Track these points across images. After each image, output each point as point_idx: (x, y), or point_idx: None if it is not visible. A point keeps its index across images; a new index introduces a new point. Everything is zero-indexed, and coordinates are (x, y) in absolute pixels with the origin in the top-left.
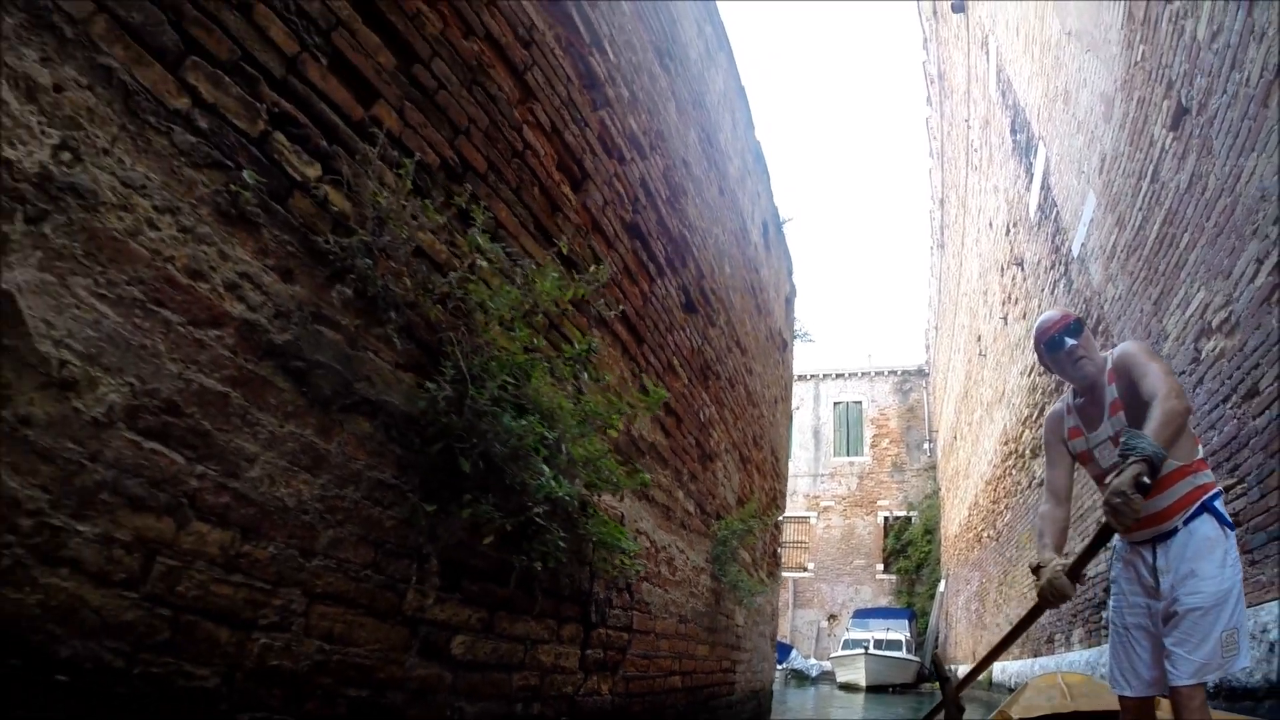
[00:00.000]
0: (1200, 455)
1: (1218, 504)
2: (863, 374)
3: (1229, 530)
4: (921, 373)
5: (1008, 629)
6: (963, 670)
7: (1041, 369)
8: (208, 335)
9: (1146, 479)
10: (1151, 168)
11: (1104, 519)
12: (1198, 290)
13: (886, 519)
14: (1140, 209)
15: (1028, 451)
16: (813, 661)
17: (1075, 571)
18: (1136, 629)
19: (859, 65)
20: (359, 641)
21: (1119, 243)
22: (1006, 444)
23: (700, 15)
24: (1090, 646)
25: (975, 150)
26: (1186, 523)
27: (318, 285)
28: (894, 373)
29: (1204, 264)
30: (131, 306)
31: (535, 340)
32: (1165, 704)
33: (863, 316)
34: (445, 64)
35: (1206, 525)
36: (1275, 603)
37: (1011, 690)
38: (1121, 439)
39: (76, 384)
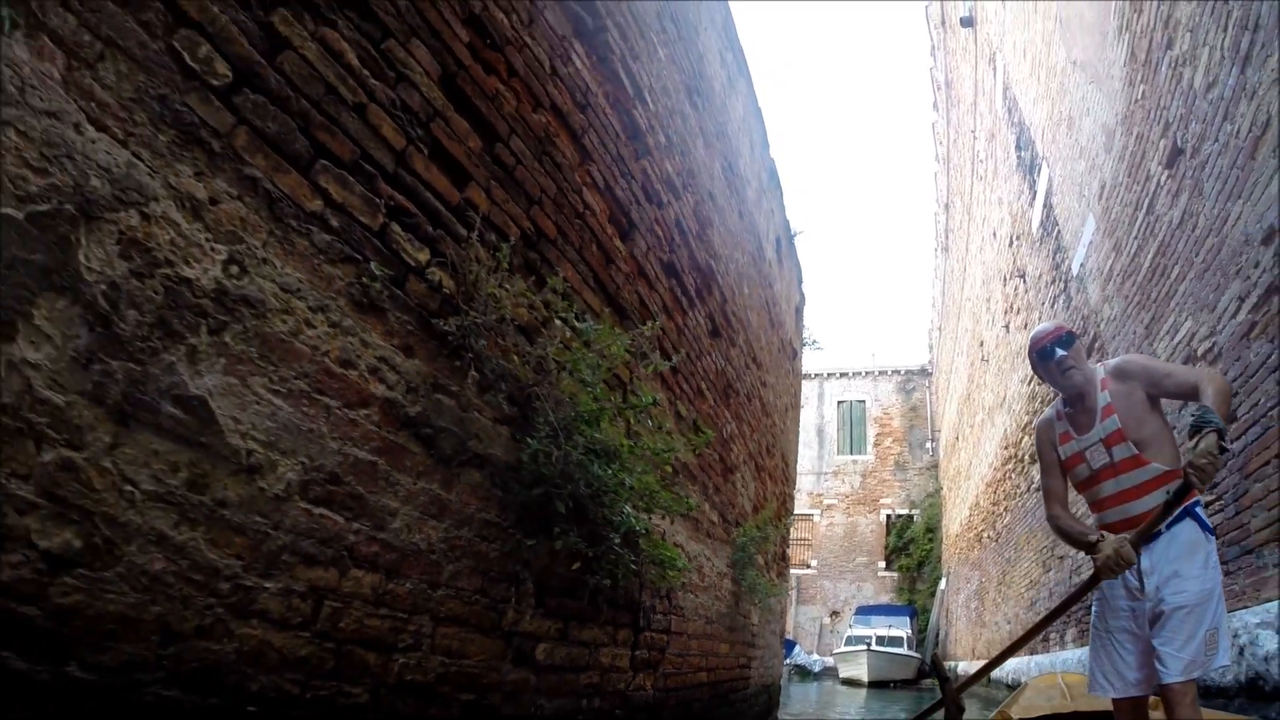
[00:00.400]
0: (1184, 462)
1: (1199, 510)
2: (866, 373)
3: (1209, 535)
4: (925, 372)
5: (1007, 626)
6: (973, 667)
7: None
8: (359, 414)
9: (1225, 444)
10: (1148, 200)
11: (1185, 554)
12: (1185, 319)
13: (889, 517)
14: (1136, 237)
15: (1027, 457)
16: (815, 657)
17: (1141, 538)
18: (1120, 631)
19: (865, 63)
20: (469, 654)
21: (1115, 267)
22: (1007, 448)
23: (722, 44)
24: (1082, 645)
25: (981, 161)
26: (1170, 526)
27: (433, 358)
28: (897, 372)
29: (1192, 296)
30: (300, 397)
31: (602, 389)
32: (1158, 702)
33: (867, 315)
34: (520, 139)
35: (1189, 529)
36: (1246, 610)
37: (1010, 688)
38: (1195, 413)
39: (261, 468)
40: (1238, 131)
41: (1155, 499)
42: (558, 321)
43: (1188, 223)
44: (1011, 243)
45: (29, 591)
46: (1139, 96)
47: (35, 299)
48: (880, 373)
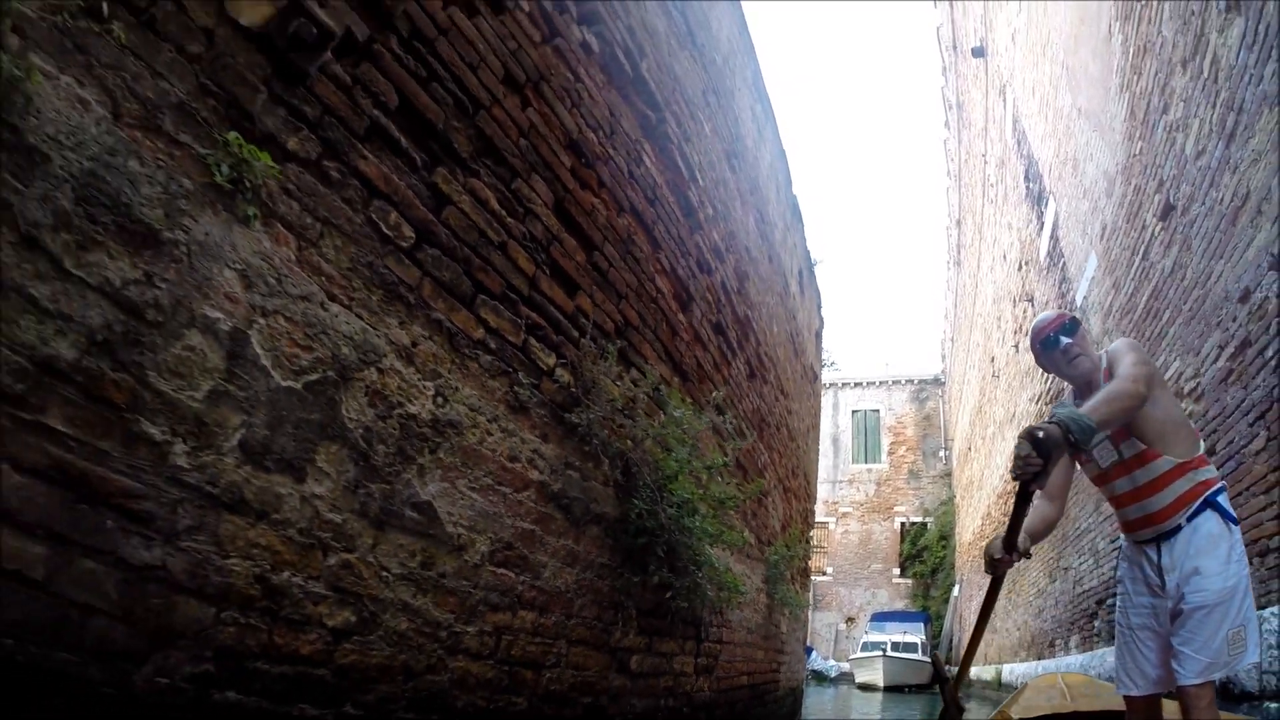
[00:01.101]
0: (1201, 451)
1: (1221, 499)
2: (880, 382)
3: (1233, 526)
4: (938, 381)
5: (1017, 633)
6: (986, 672)
7: (1046, 376)
8: (522, 496)
9: (1041, 435)
10: (1144, 247)
11: (1164, 525)
12: (1175, 360)
13: (903, 524)
14: (1133, 279)
15: None
16: (832, 662)
17: (1008, 540)
18: (1142, 629)
19: (878, 71)
20: (589, 667)
21: (1115, 303)
22: None
23: (752, 98)
24: (1085, 651)
25: (991, 185)
26: (1190, 519)
27: (562, 442)
28: (911, 381)
29: (1180, 339)
30: (487, 489)
31: (681, 451)
32: (1173, 705)
33: (880, 325)
34: (610, 245)
35: (1210, 522)
36: None
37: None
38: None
39: (465, 545)
40: (1222, 199)
41: (1173, 492)
42: (643, 396)
43: (1178, 272)
44: (1020, 267)
45: (320, 658)
46: (1137, 151)
47: (316, 447)
48: (894, 382)
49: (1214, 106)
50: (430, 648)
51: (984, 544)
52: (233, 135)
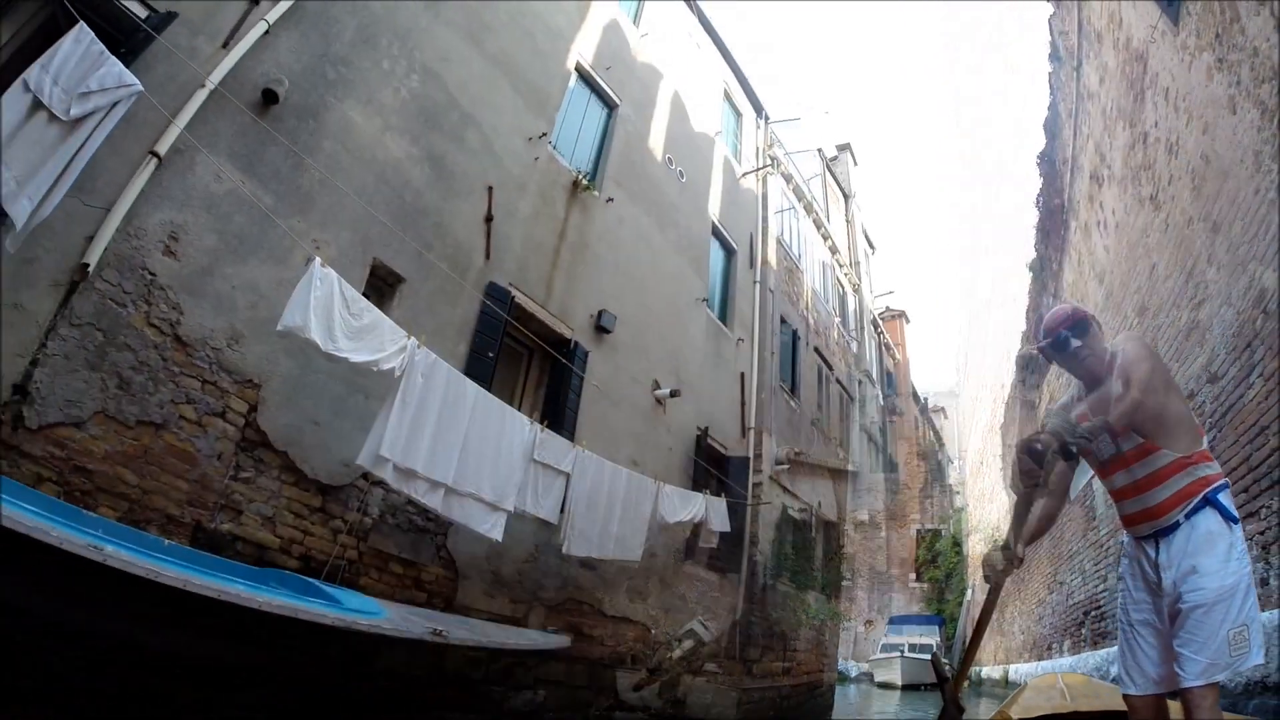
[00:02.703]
0: (1203, 447)
1: (1221, 497)
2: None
3: (1233, 524)
4: (953, 394)
5: (1021, 636)
6: (995, 671)
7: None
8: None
9: (1038, 446)
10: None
11: (1162, 521)
12: None
13: (918, 531)
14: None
15: None
16: (852, 663)
17: (1006, 549)
18: (1142, 625)
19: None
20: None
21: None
22: None
23: None
24: (1074, 654)
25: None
26: (1188, 516)
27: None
28: (926, 395)
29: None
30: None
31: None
32: (1176, 706)
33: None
34: None
35: (1209, 519)
36: None
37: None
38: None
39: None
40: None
41: (1171, 487)
42: None
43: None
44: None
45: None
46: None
47: None
48: (911, 394)
49: None
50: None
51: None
52: None
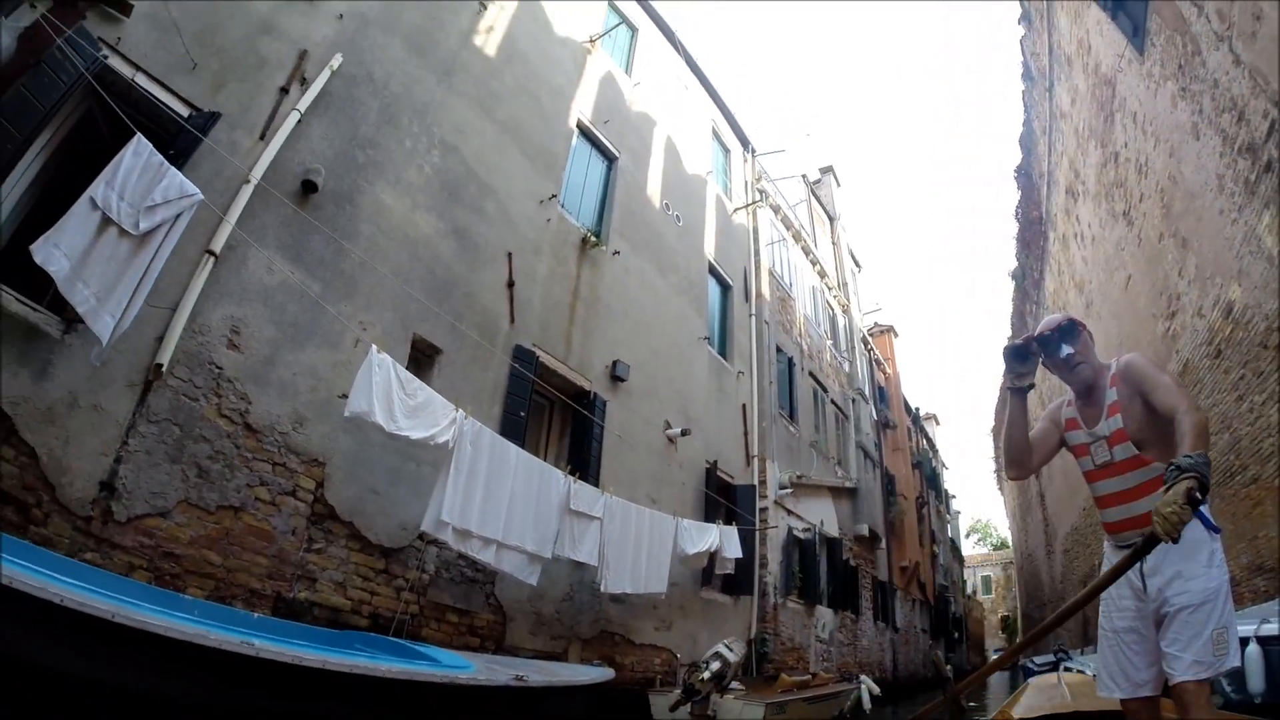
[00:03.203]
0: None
1: (1204, 509)
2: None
3: (1214, 533)
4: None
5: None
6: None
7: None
8: None
9: (1198, 494)
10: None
11: (1148, 530)
12: None
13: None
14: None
15: None
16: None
17: (1104, 584)
18: (1126, 631)
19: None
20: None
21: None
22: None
23: None
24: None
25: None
26: None
27: None
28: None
29: None
30: None
31: None
32: (1170, 705)
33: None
34: None
35: (1193, 528)
36: None
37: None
38: (1172, 462)
39: None
40: None
41: (1157, 497)
42: None
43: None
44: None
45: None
46: None
47: None
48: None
49: None
50: None
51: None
52: None
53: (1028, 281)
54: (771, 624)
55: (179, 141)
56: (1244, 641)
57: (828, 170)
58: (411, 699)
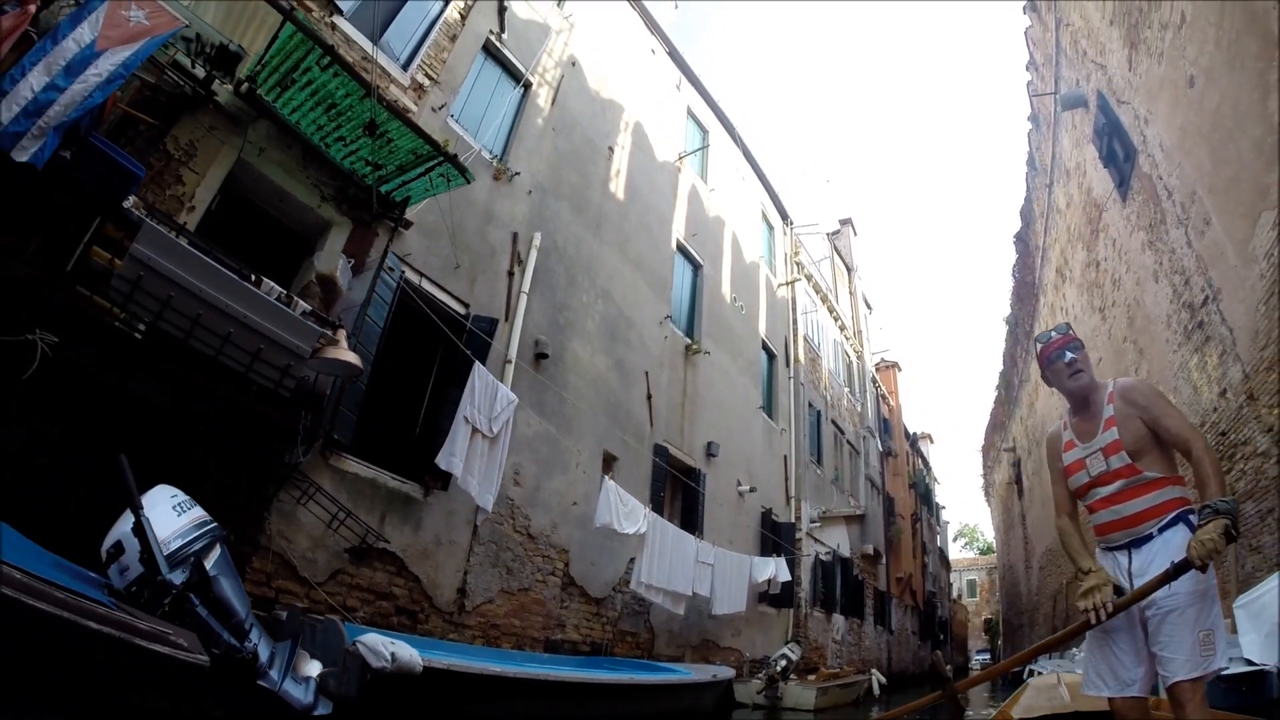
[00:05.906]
0: (1179, 473)
1: (1191, 517)
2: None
3: None
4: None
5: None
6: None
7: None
8: None
9: (1234, 531)
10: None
11: (1176, 559)
12: None
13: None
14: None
15: None
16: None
17: (1130, 601)
18: (1115, 631)
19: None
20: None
21: None
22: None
23: None
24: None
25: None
26: (1161, 530)
27: None
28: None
29: None
30: None
31: None
32: (1165, 704)
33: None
34: None
35: (1181, 534)
36: None
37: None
38: (1207, 504)
39: None
40: None
41: (1145, 502)
42: None
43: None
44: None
45: None
46: None
47: None
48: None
49: None
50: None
51: (1101, 597)
52: None
53: (1019, 330)
54: (803, 629)
55: (473, 342)
56: None
57: (846, 222)
58: (667, 697)
